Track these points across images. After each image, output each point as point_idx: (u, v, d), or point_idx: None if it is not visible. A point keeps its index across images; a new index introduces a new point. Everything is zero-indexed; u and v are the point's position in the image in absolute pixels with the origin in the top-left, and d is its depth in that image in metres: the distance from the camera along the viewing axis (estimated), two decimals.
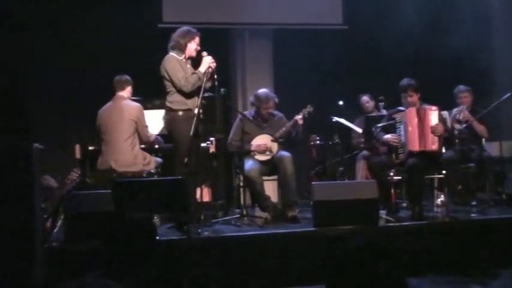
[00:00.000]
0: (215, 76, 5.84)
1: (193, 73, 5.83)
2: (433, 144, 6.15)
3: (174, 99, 5.87)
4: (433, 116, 6.19)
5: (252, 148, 6.54)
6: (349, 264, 1.92)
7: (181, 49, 5.92)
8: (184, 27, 6.03)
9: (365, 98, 7.88)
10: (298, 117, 6.57)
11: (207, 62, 5.82)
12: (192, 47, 5.92)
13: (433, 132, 6.14)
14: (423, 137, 6.14)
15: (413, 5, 8.31)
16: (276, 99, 6.71)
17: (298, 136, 6.69)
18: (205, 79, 5.76)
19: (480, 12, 8.51)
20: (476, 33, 8.34)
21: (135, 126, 6.29)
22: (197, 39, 5.95)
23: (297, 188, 6.46)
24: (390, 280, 1.88)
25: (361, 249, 1.95)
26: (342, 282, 1.91)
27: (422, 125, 6.16)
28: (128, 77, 6.46)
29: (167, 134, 6.64)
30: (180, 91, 5.81)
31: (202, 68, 5.82)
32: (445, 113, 6.76)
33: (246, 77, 8.46)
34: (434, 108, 6.25)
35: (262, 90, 6.77)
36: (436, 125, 6.16)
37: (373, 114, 7.54)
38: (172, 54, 5.91)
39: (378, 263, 1.90)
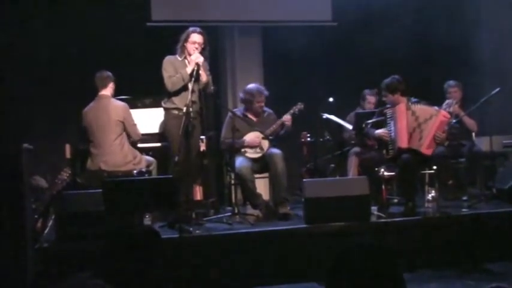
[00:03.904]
0: (200, 72, 5.83)
1: (179, 73, 5.88)
2: (428, 149, 6.09)
3: (166, 99, 6.08)
4: (443, 123, 6.16)
5: (245, 144, 6.52)
6: (348, 261, 1.92)
7: (182, 50, 6.02)
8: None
9: (372, 98, 7.70)
10: (286, 117, 6.58)
11: (192, 60, 5.84)
12: (190, 46, 5.94)
13: (435, 137, 6.10)
14: (415, 133, 6.10)
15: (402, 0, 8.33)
16: (267, 93, 6.71)
17: (285, 134, 6.69)
18: (193, 78, 5.76)
19: (469, 6, 8.52)
20: (465, 27, 8.36)
21: (123, 126, 6.27)
22: (193, 37, 5.95)
23: (288, 185, 6.46)
24: (388, 276, 1.88)
25: (360, 246, 1.95)
26: (341, 279, 1.91)
27: (418, 123, 6.11)
28: (109, 73, 6.40)
29: (159, 133, 6.69)
30: (169, 91, 5.95)
31: (189, 69, 5.85)
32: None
33: (236, 75, 8.45)
34: (448, 116, 6.27)
35: (252, 85, 6.78)
36: (443, 132, 6.14)
37: (363, 111, 7.52)
38: (172, 55, 6.05)
39: (376, 260, 1.90)
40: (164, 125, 6.26)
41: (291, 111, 6.67)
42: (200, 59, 5.84)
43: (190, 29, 6.03)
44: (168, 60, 6.02)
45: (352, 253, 1.93)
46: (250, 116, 6.72)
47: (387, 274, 1.89)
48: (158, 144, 6.74)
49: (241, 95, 6.88)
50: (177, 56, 6.03)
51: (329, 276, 1.93)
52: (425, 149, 6.09)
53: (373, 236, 5.55)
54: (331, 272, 1.92)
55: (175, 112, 5.95)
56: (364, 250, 1.94)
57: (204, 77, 5.91)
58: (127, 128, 6.30)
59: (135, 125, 6.41)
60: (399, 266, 1.91)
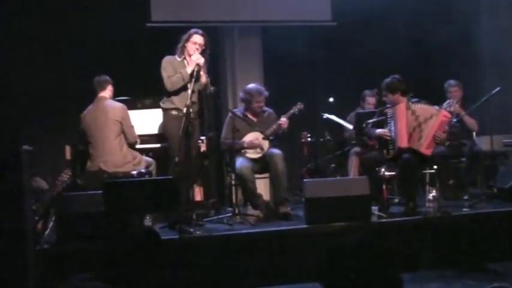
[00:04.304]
0: (201, 73, 5.83)
1: (180, 72, 5.87)
2: (427, 149, 6.07)
3: (165, 99, 6.05)
4: (444, 123, 6.14)
5: (245, 145, 6.52)
6: (344, 261, 1.92)
7: (182, 50, 6.02)
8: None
9: (372, 99, 7.67)
10: (283, 119, 6.57)
11: (193, 61, 5.84)
12: (190, 47, 5.94)
13: (435, 137, 6.09)
14: (414, 133, 6.09)
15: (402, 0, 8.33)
16: (266, 93, 6.71)
17: (282, 134, 6.68)
18: (193, 79, 5.75)
19: (468, 5, 8.52)
20: (465, 26, 8.36)
21: (121, 126, 6.27)
22: (195, 38, 5.95)
23: (289, 186, 6.45)
24: (385, 276, 1.88)
25: (356, 245, 1.95)
26: (337, 279, 1.91)
27: (418, 122, 6.09)
28: (107, 77, 6.45)
29: (158, 134, 6.68)
30: (168, 91, 5.94)
31: (189, 69, 5.85)
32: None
33: (236, 75, 8.45)
34: (448, 116, 6.26)
35: (252, 85, 6.77)
36: (443, 132, 6.13)
37: (363, 110, 7.51)
38: (172, 55, 6.04)
39: (373, 259, 1.90)
40: (163, 126, 6.25)
41: (291, 111, 6.66)
42: (201, 60, 5.84)
43: (193, 30, 6.04)
44: (167, 60, 6.01)
45: (350, 252, 1.93)
46: (250, 116, 6.72)
47: (384, 273, 1.89)
48: (158, 145, 6.74)
49: (241, 94, 6.88)
50: (176, 56, 6.03)
51: (327, 276, 1.93)
52: (425, 149, 6.08)
53: (374, 236, 5.54)
54: (329, 271, 1.93)
55: (175, 113, 5.93)
56: (362, 250, 1.94)
57: (203, 78, 5.92)
58: (124, 130, 6.30)
59: (132, 127, 6.41)
60: (396, 264, 1.91)
